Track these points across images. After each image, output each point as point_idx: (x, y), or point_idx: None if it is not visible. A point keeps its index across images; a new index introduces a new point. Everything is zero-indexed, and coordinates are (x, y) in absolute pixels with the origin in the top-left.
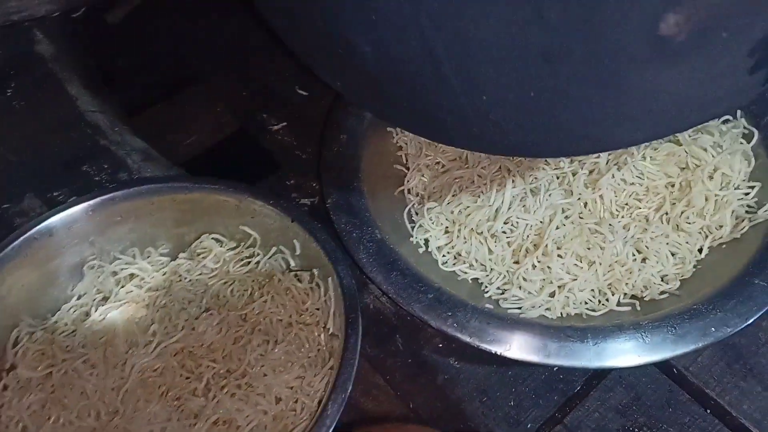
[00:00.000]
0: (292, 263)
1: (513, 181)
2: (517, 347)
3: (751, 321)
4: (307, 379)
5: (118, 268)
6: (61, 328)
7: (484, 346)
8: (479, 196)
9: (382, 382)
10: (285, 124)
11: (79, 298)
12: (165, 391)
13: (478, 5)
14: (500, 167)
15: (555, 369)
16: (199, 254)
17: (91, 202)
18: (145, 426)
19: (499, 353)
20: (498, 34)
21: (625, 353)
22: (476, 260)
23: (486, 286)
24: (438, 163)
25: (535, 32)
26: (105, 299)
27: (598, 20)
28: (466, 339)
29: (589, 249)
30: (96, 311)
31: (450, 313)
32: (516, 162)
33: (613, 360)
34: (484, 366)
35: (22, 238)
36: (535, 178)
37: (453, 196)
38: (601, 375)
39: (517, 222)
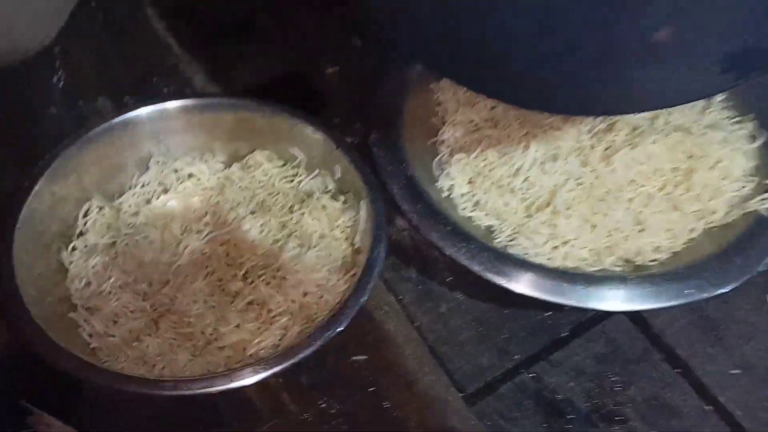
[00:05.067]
0: (331, 186)
1: (537, 145)
2: (516, 281)
3: (720, 291)
4: (332, 282)
5: (179, 166)
6: (125, 209)
7: (489, 276)
8: (504, 155)
9: (394, 300)
10: (337, 68)
11: (142, 187)
12: (210, 272)
13: None
14: (527, 132)
15: (546, 314)
16: (250, 166)
17: (166, 105)
18: (189, 296)
19: (501, 284)
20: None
21: (608, 300)
22: (493, 210)
23: (497, 234)
24: (471, 121)
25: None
26: (165, 191)
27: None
28: (474, 268)
29: (594, 214)
30: (157, 199)
31: (464, 245)
32: (542, 129)
33: (597, 303)
34: (484, 303)
35: (104, 125)
36: (558, 146)
37: (481, 151)
38: (586, 325)
39: (534, 182)
